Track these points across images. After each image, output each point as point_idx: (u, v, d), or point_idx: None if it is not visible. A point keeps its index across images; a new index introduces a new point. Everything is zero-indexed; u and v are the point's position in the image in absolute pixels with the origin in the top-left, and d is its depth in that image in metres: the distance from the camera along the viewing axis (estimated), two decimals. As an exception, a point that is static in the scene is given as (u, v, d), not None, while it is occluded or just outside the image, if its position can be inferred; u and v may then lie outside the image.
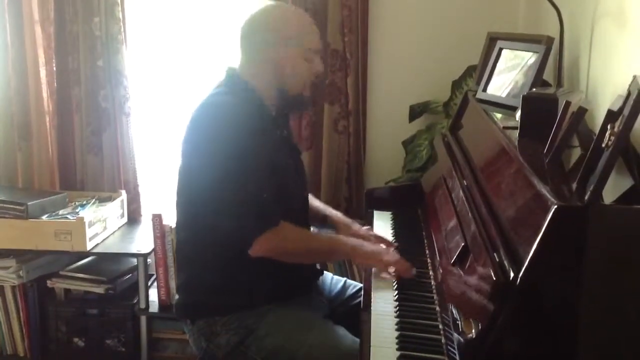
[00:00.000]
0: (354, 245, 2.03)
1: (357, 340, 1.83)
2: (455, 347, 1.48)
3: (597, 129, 1.43)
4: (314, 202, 2.34)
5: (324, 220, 2.31)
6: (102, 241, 3.05)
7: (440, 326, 1.68)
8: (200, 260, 2.02)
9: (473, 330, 1.40)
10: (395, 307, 1.81)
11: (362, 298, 1.96)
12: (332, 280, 2.29)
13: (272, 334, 1.95)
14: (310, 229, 2.23)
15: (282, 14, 2.06)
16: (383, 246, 2.05)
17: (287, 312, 1.98)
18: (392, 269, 1.95)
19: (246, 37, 2.04)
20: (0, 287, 3.08)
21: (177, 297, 2.13)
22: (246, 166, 1.87)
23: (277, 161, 1.97)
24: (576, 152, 1.64)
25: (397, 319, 1.75)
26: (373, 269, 2.01)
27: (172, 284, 3.00)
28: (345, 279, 2.34)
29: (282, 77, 2.01)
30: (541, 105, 1.78)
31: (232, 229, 1.91)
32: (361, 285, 2.22)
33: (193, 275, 2.05)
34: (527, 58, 2.19)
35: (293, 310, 1.99)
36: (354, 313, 1.95)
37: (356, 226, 2.25)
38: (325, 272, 2.31)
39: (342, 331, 1.95)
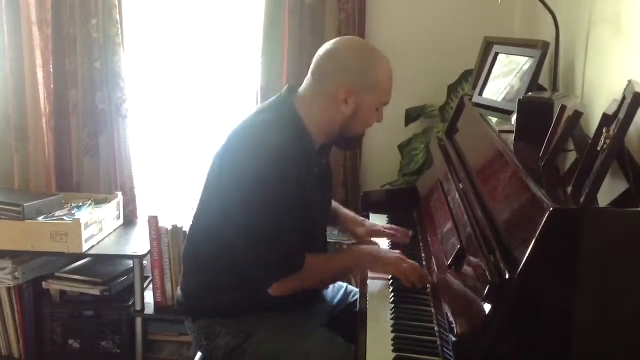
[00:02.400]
0: (370, 257, 2.04)
1: (354, 347, 1.84)
2: (451, 349, 1.49)
3: (592, 133, 1.45)
4: None
5: (334, 220, 2.30)
6: (98, 243, 3.05)
7: (436, 328, 1.69)
8: (211, 266, 2.00)
9: (468, 332, 1.41)
10: (392, 309, 1.82)
11: (359, 300, 1.97)
12: (334, 286, 2.28)
13: (269, 340, 1.94)
14: (327, 249, 2.21)
15: (370, 56, 1.94)
16: (397, 251, 2.04)
17: (285, 319, 1.97)
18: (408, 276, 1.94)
19: (323, 67, 1.93)
20: (-5, 289, 3.08)
21: (179, 293, 2.12)
22: (279, 206, 1.83)
23: (309, 200, 1.92)
24: (572, 156, 1.66)
25: (392, 321, 1.75)
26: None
27: (168, 286, 3.01)
28: (346, 284, 2.34)
29: (350, 120, 1.94)
30: (537, 110, 1.79)
31: (253, 267, 1.90)
32: (357, 290, 2.22)
33: (201, 278, 2.04)
34: (523, 63, 2.21)
35: (291, 317, 1.98)
36: (351, 317, 1.97)
37: (367, 223, 2.27)
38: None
39: (338, 339, 1.94)
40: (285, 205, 1.84)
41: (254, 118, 1.97)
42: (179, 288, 2.14)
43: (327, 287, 2.15)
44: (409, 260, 1.97)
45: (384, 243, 2.27)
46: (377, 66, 1.94)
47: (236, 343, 1.96)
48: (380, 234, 2.25)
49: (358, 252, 2.12)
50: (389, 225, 2.25)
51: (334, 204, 2.32)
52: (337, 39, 2.03)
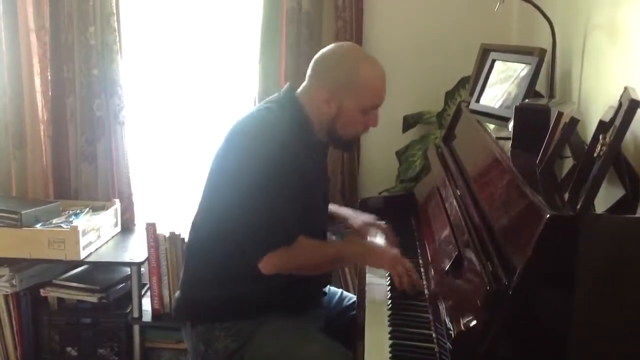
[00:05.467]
0: (367, 250, 2.06)
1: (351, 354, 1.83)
2: (449, 356, 1.49)
3: (589, 140, 1.45)
4: None
5: (331, 219, 2.32)
6: (95, 250, 3.05)
7: (434, 335, 1.69)
8: (209, 262, 2.02)
9: (466, 339, 1.41)
10: (389, 316, 1.82)
11: (356, 307, 1.97)
12: (329, 291, 2.29)
13: (269, 344, 1.95)
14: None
15: (358, 61, 2.00)
16: (396, 250, 2.06)
17: (285, 323, 1.98)
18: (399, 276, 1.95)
19: (316, 68, 2.02)
20: (-7, 296, 3.07)
21: (178, 295, 2.13)
22: (277, 185, 1.88)
23: (309, 187, 1.98)
24: (568, 163, 1.66)
25: (390, 328, 1.75)
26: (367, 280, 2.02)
27: (166, 293, 3.00)
28: (341, 290, 2.35)
29: (334, 121, 2.00)
30: (534, 116, 1.79)
31: (246, 238, 1.92)
32: (355, 297, 2.23)
33: (200, 276, 2.05)
34: (520, 69, 2.21)
35: (291, 321, 1.99)
36: (351, 325, 1.97)
37: (364, 216, 2.30)
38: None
39: (337, 345, 1.95)
40: (284, 181, 1.88)
41: (258, 109, 2.03)
42: (177, 294, 2.14)
43: (317, 273, 2.08)
44: (406, 262, 1.98)
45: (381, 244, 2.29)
46: (360, 71, 1.98)
47: (235, 346, 1.97)
48: (373, 225, 2.27)
49: (354, 243, 2.15)
50: (383, 223, 2.27)
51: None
52: (335, 43, 2.10)
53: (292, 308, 2.00)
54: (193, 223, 2.10)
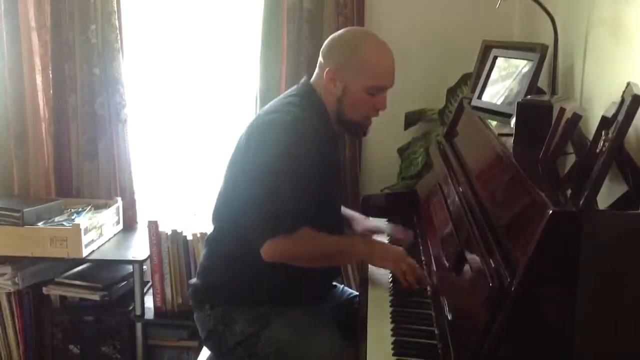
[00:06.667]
0: (371, 248, 2.04)
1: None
2: (452, 352, 1.49)
3: (591, 136, 1.45)
4: None
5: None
6: (97, 248, 3.06)
7: (437, 331, 1.69)
8: (229, 251, 2.06)
9: (469, 336, 1.41)
10: (391, 313, 1.82)
11: (358, 304, 1.97)
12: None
13: (286, 329, 1.98)
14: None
15: (362, 40, 2.05)
16: (400, 248, 2.05)
17: (299, 314, 2.02)
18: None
19: (323, 52, 2.06)
20: (-5, 294, 3.08)
21: (195, 281, 2.16)
22: (289, 174, 1.90)
23: (326, 181, 2.01)
24: (571, 159, 1.66)
25: (392, 324, 1.75)
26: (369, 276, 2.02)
27: (168, 291, 3.00)
28: (342, 285, 2.36)
29: (341, 101, 2.03)
30: (536, 112, 1.79)
31: (251, 226, 1.93)
32: (357, 293, 2.23)
33: (219, 263, 2.09)
34: (522, 66, 2.21)
35: (305, 313, 2.02)
36: (351, 318, 1.98)
37: (368, 221, 2.31)
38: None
39: (347, 342, 1.96)
40: (298, 172, 1.90)
41: (283, 104, 2.05)
42: (192, 280, 2.18)
43: (318, 266, 2.04)
44: (409, 260, 1.97)
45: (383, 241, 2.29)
46: (362, 49, 2.02)
47: (252, 330, 2.00)
48: (377, 230, 2.28)
49: (358, 241, 2.15)
50: (388, 226, 2.29)
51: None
52: (345, 28, 2.18)
53: (305, 299, 2.03)
54: (213, 213, 2.13)
